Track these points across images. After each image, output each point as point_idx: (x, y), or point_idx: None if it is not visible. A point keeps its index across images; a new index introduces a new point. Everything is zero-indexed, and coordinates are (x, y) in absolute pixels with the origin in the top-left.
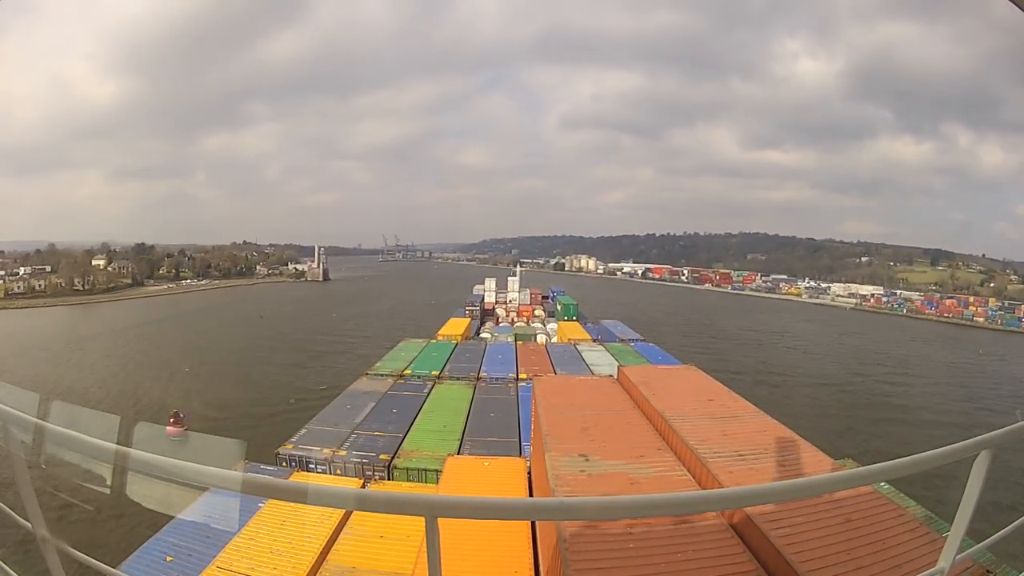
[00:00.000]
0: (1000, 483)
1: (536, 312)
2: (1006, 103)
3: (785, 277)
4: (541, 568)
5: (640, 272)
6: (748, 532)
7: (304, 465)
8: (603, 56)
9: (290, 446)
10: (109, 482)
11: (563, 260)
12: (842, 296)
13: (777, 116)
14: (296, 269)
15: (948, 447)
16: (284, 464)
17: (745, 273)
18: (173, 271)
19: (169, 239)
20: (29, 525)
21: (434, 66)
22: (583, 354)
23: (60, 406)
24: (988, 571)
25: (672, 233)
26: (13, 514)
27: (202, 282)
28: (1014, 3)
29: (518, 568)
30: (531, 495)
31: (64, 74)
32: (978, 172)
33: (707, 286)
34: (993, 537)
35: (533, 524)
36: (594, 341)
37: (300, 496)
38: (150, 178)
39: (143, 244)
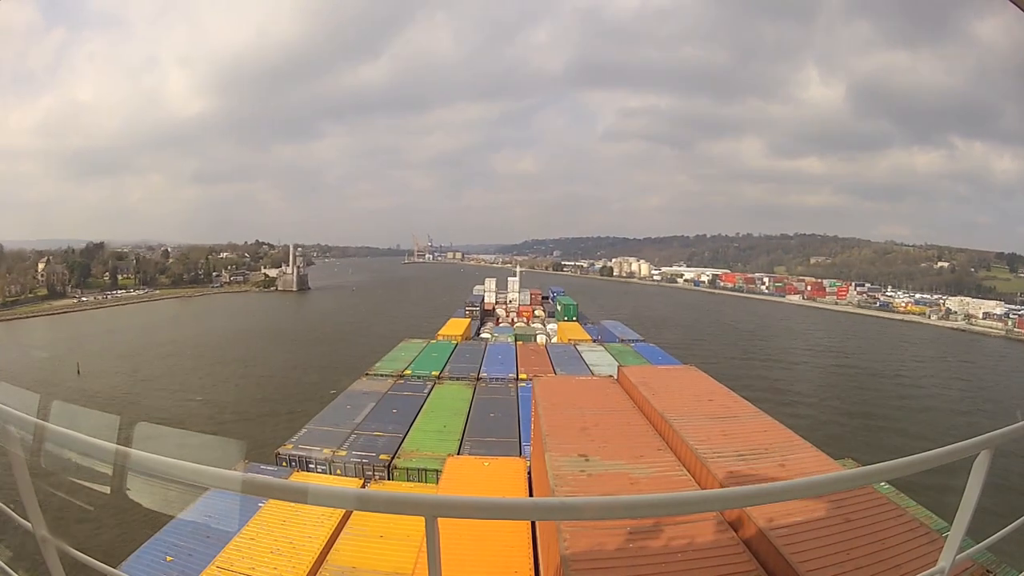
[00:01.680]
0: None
1: (536, 312)
2: (1003, 115)
3: (869, 286)
4: (541, 568)
5: (707, 279)
6: (748, 532)
7: (304, 465)
8: (640, 81)
9: (290, 446)
10: (109, 482)
11: (610, 263)
12: (980, 318)
13: (797, 131)
14: (267, 276)
15: (948, 447)
16: (284, 464)
17: (839, 284)
18: (109, 278)
19: (222, 239)
20: (29, 525)
21: (491, 90)
22: (583, 354)
23: (60, 406)
24: (988, 571)
25: (724, 234)
26: (13, 514)
27: (135, 292)
28: (1014, 3)
29: (518, 568)
30: (531, 495)
31: (159, 91)
32: (991, 177)
33: (794, 298)
34: (993, 537)
35: (533, 524)
36: (594, 341)
37: (300, 496)
38: (213, 182)
39: (100, 243)
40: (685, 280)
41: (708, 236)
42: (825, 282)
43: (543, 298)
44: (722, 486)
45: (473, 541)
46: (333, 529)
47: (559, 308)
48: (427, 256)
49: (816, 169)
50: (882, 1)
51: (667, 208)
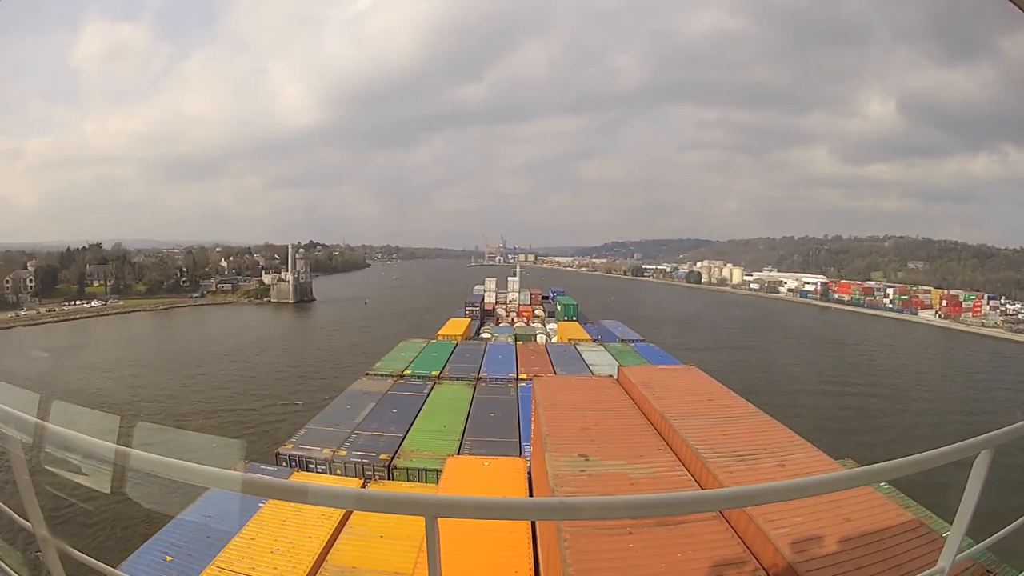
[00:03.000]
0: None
1: (536, 312)
2: None
3: (1003, 299)
4: (541, 568)
5: (816, 288)
6: (748, 532)
7: (304, 465)
8: (715, 98)
9: (290, 446)
10: (109, 482)
11: (698, 268)
12: None
13: (860, 141)
14: (260, 283)
15: (948, 447)
16: (284, 464)
17: (972, 297)
18: (77, 285)
19: (302, 239)
20: (29, 525)
21: (579, 105)
22: (583, 354)
23: (60, 406)
24: (988, 571)
25: (811, 236)
26: (13, 514)
27: (91, 305)
28: (1014, 3)
29: (518, 568)
30: (531, 495)
31: (273, 106)
32: None
33: (927, 315)
34: (993, 537)
35: (533, 524)
36: (594, 341)
37: (300, 496)
38: (302, 186)
39: (97, 244)
40: (789, 290)
41: (796, 238)
42: (962, 296)
43: (543, 298)
44: (722, 486)
45: (473, 541)
46: (333, 529)
47: (559, 308)
48: (498, 258)
49: (886, 175)
50: (919, 29)
51: (746, 211)
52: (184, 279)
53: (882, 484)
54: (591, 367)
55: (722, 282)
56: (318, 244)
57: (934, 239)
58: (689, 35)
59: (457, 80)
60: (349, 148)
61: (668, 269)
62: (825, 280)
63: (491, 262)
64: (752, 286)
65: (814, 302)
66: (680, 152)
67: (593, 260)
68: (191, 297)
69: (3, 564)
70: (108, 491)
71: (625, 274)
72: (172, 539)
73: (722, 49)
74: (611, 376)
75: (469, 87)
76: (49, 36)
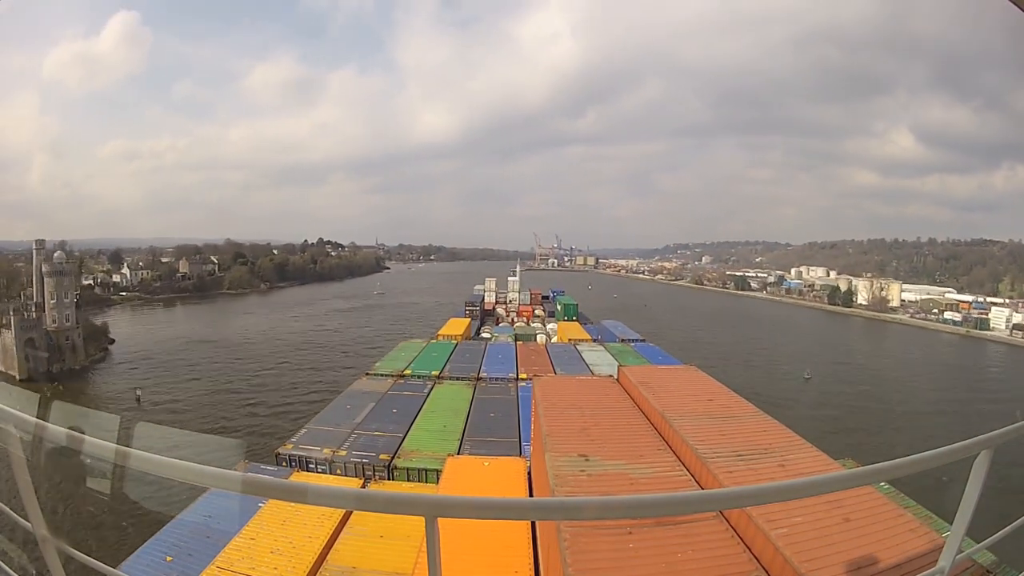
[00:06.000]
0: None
1: (536, 312)
2: None
3: None
4: (541, 568)
5: None
6: (748, 532)
7: (304, 465)
8: (773, 127)
9: (290, 446)
10: (109, 482)
11: (850, 284)
12: None
13: (897, 161)
14: None
15: (948, 447)
16: (284, 464)
17: None
18: None
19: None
20: (29, 525)
21: (663, 133)
22: (583, 354)
23: (60, 406)
24: (988, 571)
25: (902, 239)
26: (13, 514)
27: None
28: (1014, 3)
29: (518, 568)
30: (531, 495)
31: (405, 128)
32: None
33: None
34: (993, 537)
35: (533, 524)
36: (594, 341)
37: (300, 496)
38: (394, 191)
39: None
40: (1015, 327)
41: (887, 241)
42: None
43: (543, 298)
44: (722, 486)
45: (473, 541)
46: (333, 529)
47: (559, 308)
48: (550, 261)
49: (926, 186)
50: (930, 82)
51: (803, 219)
52: None
53: (882, 484)
54: (591, 367)
55: (885, 305)
56: (329, 242)
57: None
58: (755, 82)
59: (566, 117)
60: (455, 162)
61: (770, 279)
62: None
63: (543, 265)
64: (948, 317)
65: None
66: (746, 168)
67: (664, 264)
68: None
69: (3, 564)
70: (108, 491)
71: (726, 287)
72: (172, 539)
73: (779, 94)
74: (611, 376)
75: (574, 121)
76: (222, 60)
